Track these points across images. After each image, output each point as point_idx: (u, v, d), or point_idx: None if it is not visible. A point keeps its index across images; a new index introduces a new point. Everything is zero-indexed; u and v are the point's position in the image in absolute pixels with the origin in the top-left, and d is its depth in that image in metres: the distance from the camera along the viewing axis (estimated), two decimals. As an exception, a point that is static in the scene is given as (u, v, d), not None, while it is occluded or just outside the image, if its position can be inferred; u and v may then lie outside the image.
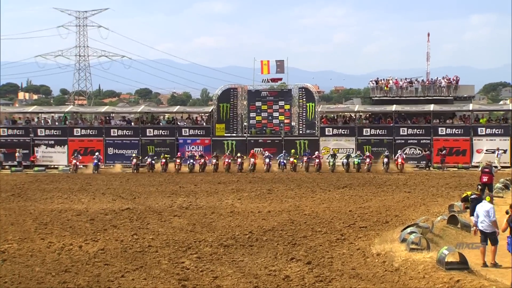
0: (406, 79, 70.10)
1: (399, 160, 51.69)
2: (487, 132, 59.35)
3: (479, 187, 33.39)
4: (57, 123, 61.99)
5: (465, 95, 69.68)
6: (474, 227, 20.32)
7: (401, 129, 60.19)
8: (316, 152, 54.58)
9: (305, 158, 52.73)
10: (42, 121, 62.36)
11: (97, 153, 53.65)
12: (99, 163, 52.31)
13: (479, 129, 59.70)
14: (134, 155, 53.62)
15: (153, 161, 52.11)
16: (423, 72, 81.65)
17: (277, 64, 62.90)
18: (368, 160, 53.10)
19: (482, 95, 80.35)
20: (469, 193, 29.49)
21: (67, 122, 62.03)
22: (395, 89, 68.40)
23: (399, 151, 53.80)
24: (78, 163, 52.57)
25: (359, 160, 52.53)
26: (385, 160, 52.02)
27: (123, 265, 18.24)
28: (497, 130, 59.58)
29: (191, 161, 52.50)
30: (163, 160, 52.08)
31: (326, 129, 61.33)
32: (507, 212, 19.61)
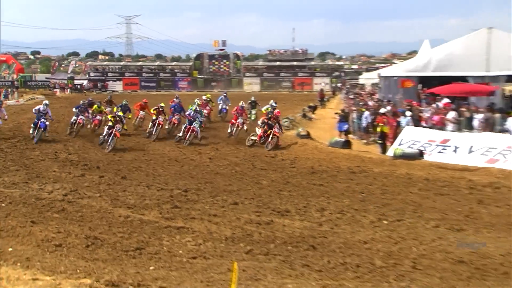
0: (285, 50, 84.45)
1: (276, 130, 22.07)
2: (318, 75, 75.99)
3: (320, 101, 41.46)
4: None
5: (310, 58, 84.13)
6: None
7: (281, 74, 77.00)
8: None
9: (174, 117, 25.51)
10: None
11: (43, 104, 23.59)
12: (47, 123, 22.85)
13: (316, 73, 76.97)
14: None
15: None
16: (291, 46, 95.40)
17: (222, 41, 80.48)
18: (136, 117, 27.36)
19: (317, 58, 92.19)
20: (311, 103, 37.59)
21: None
22: (278, 55, 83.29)
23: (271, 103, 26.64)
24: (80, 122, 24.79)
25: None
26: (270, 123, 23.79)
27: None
28: (323, 74, 75.80)
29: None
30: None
31: (246, 74, 77.27)
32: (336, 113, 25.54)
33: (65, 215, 11.59)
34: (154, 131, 24.47)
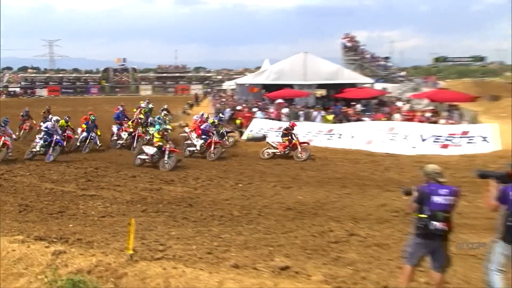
0: (170, 65, 77.24)
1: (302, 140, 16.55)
2: (194, 83, 70.88)
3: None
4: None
5: (188, 71, 77.29)
6: None
7: (167, 82, 71.96)
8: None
9: (110, 130, 18.59)
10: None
11: (52, 121, 15.86)
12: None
13: (192, 82, 71.49)
14: None
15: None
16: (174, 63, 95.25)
17: (123, 59, 74.23)
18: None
19: (193, 71, 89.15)
20: (189, 102, 37.69)
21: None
22: (165, 68, 76.44)
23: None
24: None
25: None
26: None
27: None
28: (197, 82, 71.36)
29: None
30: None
31: (142, 82, 71.80)
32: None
33: (2, 189, 10.84)
34: (135, 143, 17.40)
